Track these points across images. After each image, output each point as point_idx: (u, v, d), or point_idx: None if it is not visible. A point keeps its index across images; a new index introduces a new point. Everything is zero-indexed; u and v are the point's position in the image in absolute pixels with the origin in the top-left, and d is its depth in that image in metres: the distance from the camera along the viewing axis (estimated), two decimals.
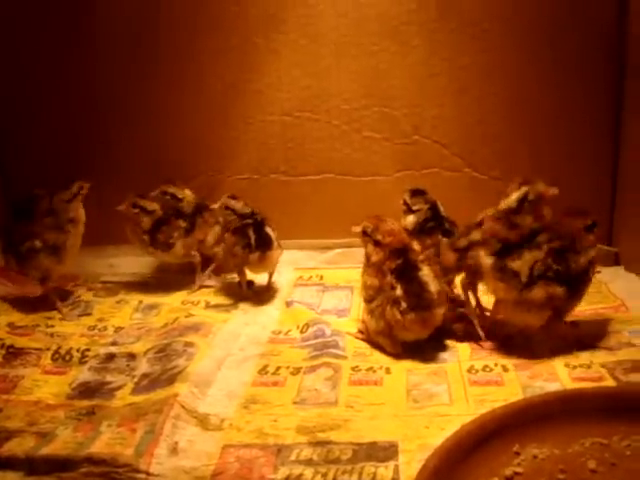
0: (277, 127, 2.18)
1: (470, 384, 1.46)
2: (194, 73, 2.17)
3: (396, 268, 1.61)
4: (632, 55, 1.99)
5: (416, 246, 1.68)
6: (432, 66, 2.12)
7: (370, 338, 1.67)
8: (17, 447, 1.29)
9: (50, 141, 2.26)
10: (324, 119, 2.17)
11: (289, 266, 2.18)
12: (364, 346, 1.66)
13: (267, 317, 1.87)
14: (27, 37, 2.19)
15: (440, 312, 1.60)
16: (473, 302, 1.74)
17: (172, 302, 1.99)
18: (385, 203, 2.00)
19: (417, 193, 1.93)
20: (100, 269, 2.23)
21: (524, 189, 1.65)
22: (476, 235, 1.68)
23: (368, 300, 1.66)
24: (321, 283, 2.09)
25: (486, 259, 1.58)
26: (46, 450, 1.27)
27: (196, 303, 1.96)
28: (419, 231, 1.85)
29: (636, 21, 1.96)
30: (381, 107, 2.15)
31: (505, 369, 1.51)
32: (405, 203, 1.92)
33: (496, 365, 1.53)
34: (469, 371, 1.51)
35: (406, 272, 1.60)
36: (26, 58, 2.21)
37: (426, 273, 1.61)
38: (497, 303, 1.67)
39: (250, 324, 1.83)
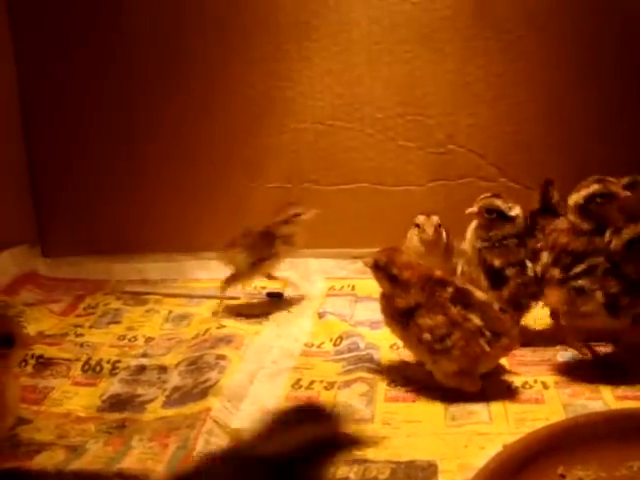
0: (310, 135, 2.16)
1: (509, 402, 1.42)
2: (226, 82, 2.15)
3: (452, 297, 1.46)
4: None
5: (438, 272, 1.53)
6: (467, 74, 2.09)
7: (437, 383, 1.47)
8: (47, 461, 1.27)
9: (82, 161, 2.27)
10: (357, 127, 2.14)
11: (320, 275, 2.15)
12: (399, 361, 1.63)
13: (299, 329, 1.84)
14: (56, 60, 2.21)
15: (518, 331, 1.50)
16: None
17: (202, 312, 1.96)
18: (418, 213, 1.97)
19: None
20: (129, 276, 2.22)
21: (595, 187, 1.56)
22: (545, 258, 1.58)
23: (438, 340, 1.43)
24: (353, 293, 2.05)
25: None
26: (76, 464, 1.25)
27: (227, 314, 1.94)
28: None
29: None
30: (415, 115, 2.12)
31: (545, 386, 1.47)
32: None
33: (536, 382, 1.49)
34: (508, 388, 1.47)
35: (464, 299, 1.46)
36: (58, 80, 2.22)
37: (481, 295, 1.49)
38: None
39: (282, 336, 1.80)
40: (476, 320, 1.42)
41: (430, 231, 1.80)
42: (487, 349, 1.41)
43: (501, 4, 2.04)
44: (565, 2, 2.04)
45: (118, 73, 2.17)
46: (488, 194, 1.69)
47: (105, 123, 2.22)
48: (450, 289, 1.47)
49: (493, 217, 1.65)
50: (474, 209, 1.67)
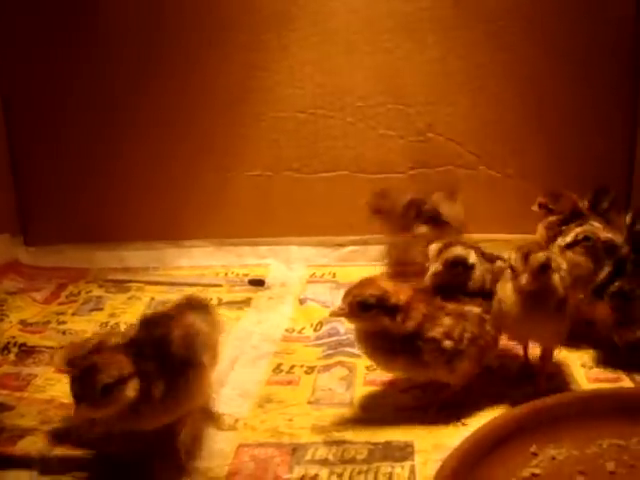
0: (290, 124, 2.16)
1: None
2: (205, 71, 2.15)
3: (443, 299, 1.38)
4: None
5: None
6: (447, 64, 2.11)
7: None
8: (31, 446, 1.28)
9: (64, 148, 2.26)
10: (338, 116, 2.15)
11: (302, 263, 2.17)
12: None
13: (280, 315, 1.86)
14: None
15: None
16: None
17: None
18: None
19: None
20: (111, 264, 2.23)
21: (577, 230, 1.59)
22: None
23: (458, 340, 1.33)
24: (334, 280, 2.07)
25: None
26: (59, 449, 1.26)
27: (208, 301, 1.94)
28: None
29: None
30: (395, 104, 2.13)
31: None
32: None
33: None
34: (484, 370, 1.48)
35: (452, 298, 1.38)
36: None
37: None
38: None
39: (263, 322, 1.82)
40: (475, 309, 1.37)
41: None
42: (494, 333, 1.38)
43: None
44: None
45: (97, 61, 2.16)
46: (440, 244, 1.45)
47: (85, 111, 2.20)
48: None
49: (458, 270, 1.42)
50: (439, 267, 1.40)
